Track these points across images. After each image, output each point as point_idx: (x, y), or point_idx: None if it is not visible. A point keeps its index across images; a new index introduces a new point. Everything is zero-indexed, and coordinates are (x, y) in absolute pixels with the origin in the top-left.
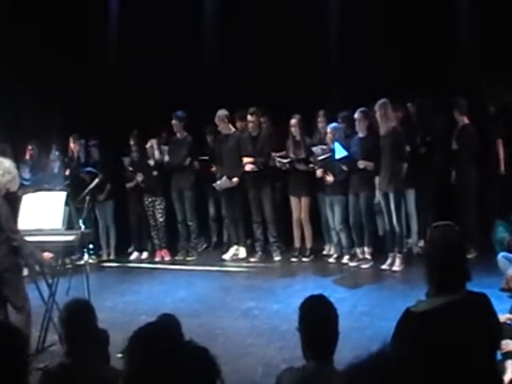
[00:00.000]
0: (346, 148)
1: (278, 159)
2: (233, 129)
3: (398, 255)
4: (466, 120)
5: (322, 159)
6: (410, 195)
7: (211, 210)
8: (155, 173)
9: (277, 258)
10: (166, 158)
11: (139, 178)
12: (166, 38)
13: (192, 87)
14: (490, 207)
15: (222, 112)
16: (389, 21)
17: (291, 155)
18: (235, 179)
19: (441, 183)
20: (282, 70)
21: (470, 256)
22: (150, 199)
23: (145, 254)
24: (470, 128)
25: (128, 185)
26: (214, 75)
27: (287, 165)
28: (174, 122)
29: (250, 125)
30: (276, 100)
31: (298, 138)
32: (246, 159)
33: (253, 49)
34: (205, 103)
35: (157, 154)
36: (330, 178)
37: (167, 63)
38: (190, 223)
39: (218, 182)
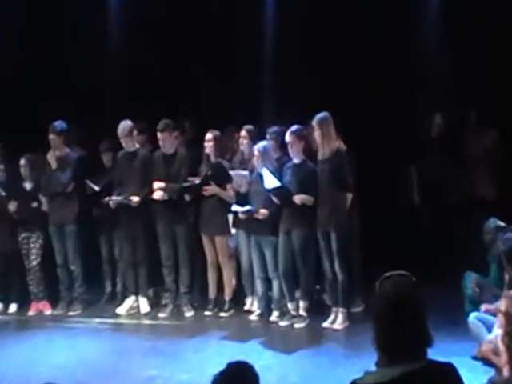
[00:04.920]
0: (276, 176)
1: (186, 184)
2: (137, 145)
3: (342, 310)
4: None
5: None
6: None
7: (104, 250)
8: (35, 204)
9: (188, 314)
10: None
11: (11, 207)
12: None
13: (85, 93)
14: None
15: (126, 124)
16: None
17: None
18: (135, 198)
19: None
20: (196, 76)
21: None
22: (23, 234)
23: (13, 307)
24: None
25: None
26: (112, 78)
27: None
28: (51, 136)
29: (162, 143)
30: (188, 112)
31: (212, 158)
32: (156, 184)
33: (162, 47)
34: (102, 113)
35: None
36: (263, 211)
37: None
38: (72, 267)
39: (114, 198)
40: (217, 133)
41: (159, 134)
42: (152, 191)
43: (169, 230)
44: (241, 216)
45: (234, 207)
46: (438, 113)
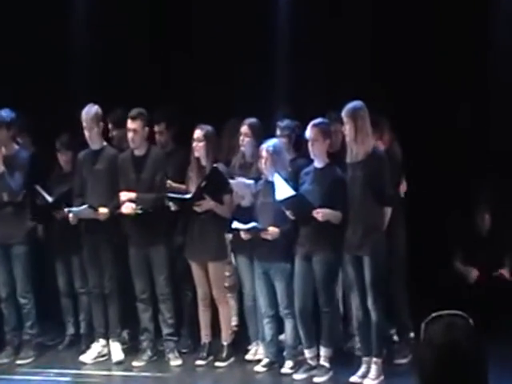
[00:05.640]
0: (290, 183)
1: (171, 195)
2: (105, 142)
3: (375, 360)
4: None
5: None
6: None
7: (61, 280)
8: None
9: (174, 363)
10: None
11: None
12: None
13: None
14: None
15: (92, 110)
16: None
17: (192, 191)
18: (104, 210)
19: None
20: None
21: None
22: None
23: None
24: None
25: None
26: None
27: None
28: None
29: (131, 135)
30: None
31: (203, 162)
32: (124, 194)
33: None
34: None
35: None
36: (273, 229)
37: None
38: (22, 300)
39: (75, 209)
40: (209, 129)
41: (130, 123)
42: (120, 204)
43: (142, 253)
44: (243, 236)
45: (235, 224)
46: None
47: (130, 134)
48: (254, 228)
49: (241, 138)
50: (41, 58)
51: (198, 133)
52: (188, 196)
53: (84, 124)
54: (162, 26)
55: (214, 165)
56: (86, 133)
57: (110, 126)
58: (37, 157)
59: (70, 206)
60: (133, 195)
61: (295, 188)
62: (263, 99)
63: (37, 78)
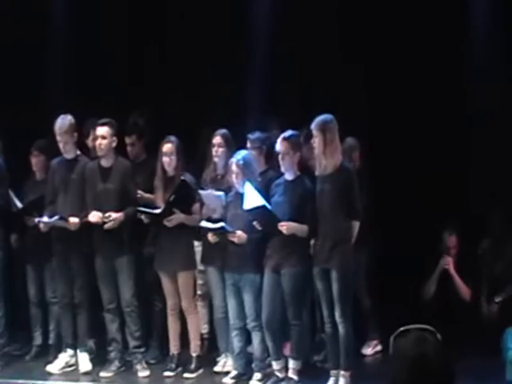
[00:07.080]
0: (262, 193)
1: (142, 209)
2: (78, 151)
3: (343, 373)
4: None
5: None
6: None
7: (31, 290)
8: None
9: (142, 374)
10: None
11: None
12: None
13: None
14: None
15: (65, 123)
16: None
17: (159, 202)
18: (74, 219)
19: None
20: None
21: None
22: None
23: None
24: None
25: None
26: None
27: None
28: None
29: (99, 141)
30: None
31: (170, 172)
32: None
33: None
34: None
35: None
36: (241, 234)
37: None
38: None
39: (46, 220)
40: (178, 141)
41: (98, 129)
42: (86, 213)
43: (109, 263)
44: (210, 238)
45: (203, 223)
46: None
47: (97, 141)
48: (221, 228)
49: (214, 148)
50: (15, 61)
51: (168, 147)
52: (158, 211)
53: (58, 138)
54: (137, 35)
55: (182, 177)
56: (60, 145)
57: (84, 132)
58: (4, 163)
59: (41, 213)
60: (120, 215)
61: (266, 199)
62: (236, 110)
63: (10, 83)
